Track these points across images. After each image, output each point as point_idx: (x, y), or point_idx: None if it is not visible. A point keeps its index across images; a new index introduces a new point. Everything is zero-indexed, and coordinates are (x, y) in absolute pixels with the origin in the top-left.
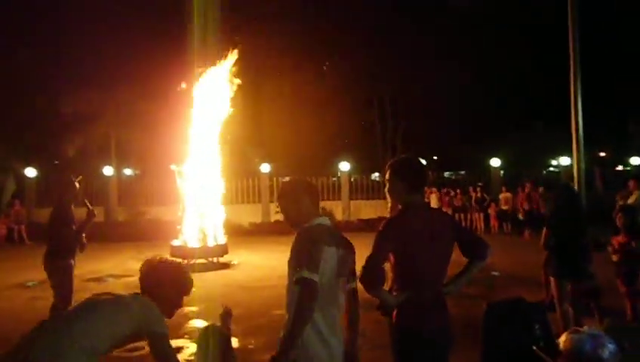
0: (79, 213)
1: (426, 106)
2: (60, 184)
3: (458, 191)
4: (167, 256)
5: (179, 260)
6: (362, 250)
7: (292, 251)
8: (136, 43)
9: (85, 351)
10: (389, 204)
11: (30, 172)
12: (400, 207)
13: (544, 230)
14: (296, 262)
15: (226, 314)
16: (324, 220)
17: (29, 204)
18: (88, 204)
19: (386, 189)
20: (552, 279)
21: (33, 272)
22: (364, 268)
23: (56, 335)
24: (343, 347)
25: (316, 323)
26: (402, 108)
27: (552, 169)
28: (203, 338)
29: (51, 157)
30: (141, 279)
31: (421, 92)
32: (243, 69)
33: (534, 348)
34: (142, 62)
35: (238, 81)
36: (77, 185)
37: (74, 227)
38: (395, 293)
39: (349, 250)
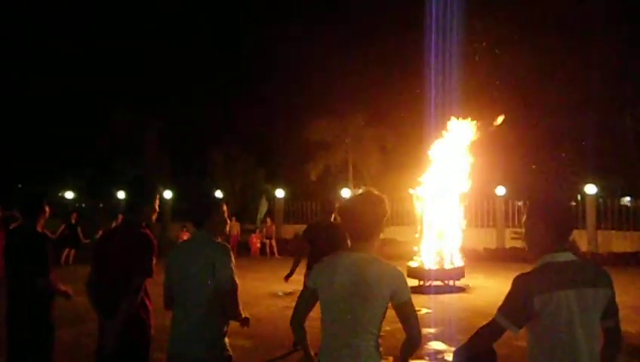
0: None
1: None
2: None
3: None
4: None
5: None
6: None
7: None
8: (368, 71)
9: (374, 336)
10: None
11: (279, 193)
12: None
13: None
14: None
15: None
16: (561, 256)
17: (278, 222)
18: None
19: None
20: None
21: (282, 284)
22: None
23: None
24: None
25: None
26: None
27: None
28: None
29: (297, 180)
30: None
31: None
32: (475, 90)
33: None
34: (374, 90)
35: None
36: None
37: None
38: None
39: (599, 285)
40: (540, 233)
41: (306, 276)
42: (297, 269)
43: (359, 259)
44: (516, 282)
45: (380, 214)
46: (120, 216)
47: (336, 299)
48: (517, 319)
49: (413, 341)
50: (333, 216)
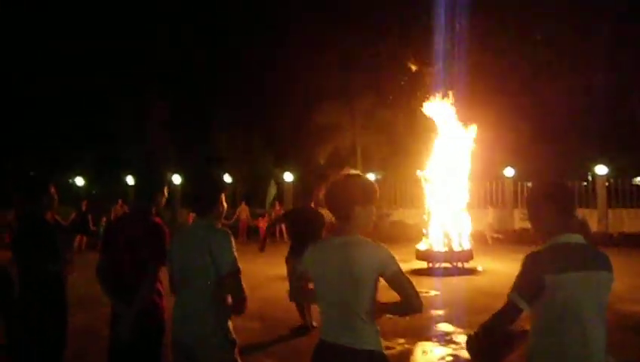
0: None
1: None
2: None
3: None
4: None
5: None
6: (622, 271)
7: None
8: (378, 54)
9: (369, 313)
10: None
11: (288, 177)
12: None
13: None
14: (513, 283)
15: None
16: (569, 238)
17: (287, 205)
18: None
19: None
20: None
21: None
22: None
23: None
24: None
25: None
26: None
27: None
28: None
29: (305, 163)
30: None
31: None
32: (483, 73)
33: None
34: (384, 73)
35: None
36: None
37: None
38: None
39: (604, 268)
40: (544, 215)
41: (287, 259)
42: (280, 251)
43: (343, 243)
44: (528, 260)
45: (354, 193)
46: (119, 201)
47: (328, 283)
48: (530, 297)
49: (411, 305)
50: (312, 201)
